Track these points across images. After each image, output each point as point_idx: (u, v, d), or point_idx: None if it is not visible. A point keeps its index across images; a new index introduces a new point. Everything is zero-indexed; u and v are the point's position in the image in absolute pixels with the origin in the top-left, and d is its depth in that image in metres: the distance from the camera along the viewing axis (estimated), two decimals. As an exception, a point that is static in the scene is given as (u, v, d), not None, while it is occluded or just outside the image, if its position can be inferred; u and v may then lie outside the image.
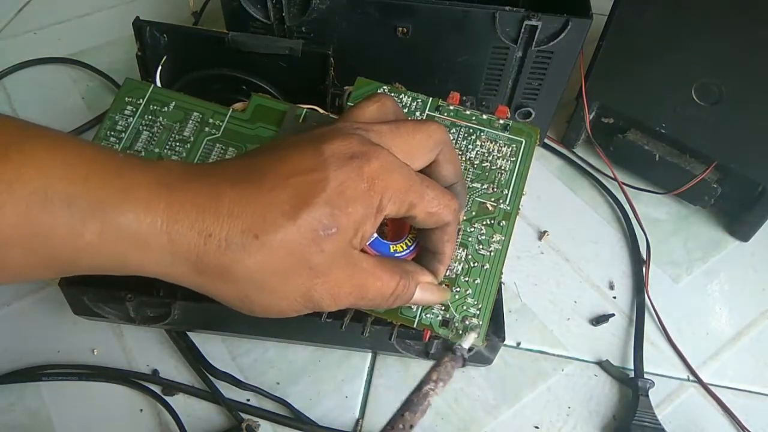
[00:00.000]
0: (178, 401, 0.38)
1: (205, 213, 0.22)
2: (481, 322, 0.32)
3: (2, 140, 0.21)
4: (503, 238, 0.33)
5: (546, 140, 0.55)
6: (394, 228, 0.29)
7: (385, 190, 0.24)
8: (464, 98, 0.37)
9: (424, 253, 0.29)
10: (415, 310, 0.32)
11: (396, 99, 0.36)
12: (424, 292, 0.28)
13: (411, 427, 0.26)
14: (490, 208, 0.34)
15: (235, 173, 0.24)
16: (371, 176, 0.24)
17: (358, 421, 0.38)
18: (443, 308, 0.32)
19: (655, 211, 0.51)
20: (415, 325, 0.32)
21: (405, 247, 0.29)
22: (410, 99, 0.36)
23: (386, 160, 0.24)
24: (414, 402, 0.27)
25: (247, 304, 0.24)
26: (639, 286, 0.45)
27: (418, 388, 0.28)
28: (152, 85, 0.36)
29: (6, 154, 0.20)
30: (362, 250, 0.26)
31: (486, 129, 0.35)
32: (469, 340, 0.30)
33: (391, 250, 0.28)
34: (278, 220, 0.22)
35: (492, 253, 0.33)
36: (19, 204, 0.20)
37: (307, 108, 0.35)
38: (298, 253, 0.23)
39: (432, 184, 0.26)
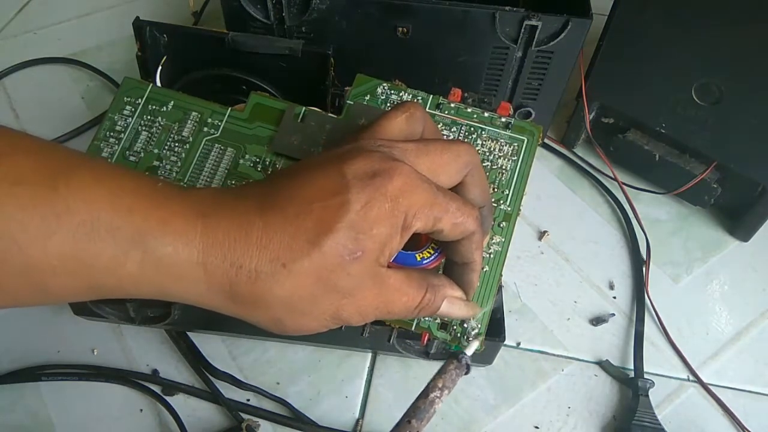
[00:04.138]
0: (178, 401, 0.38)
1: (236, 244, 0.23)
2: (479, 325, 0.32)
3: (50, 171, 0.21)
4: (503, 239, 0.33)
5: (546, 140, 0.55)
6: (413, 237, 0.29)
7: (409, 207, 0.24)
8: (466, 95, 0.37)
9: (454, 267, 0.28)
10: None
11: (396, 96, 0.36)
12: (452, 306, 0.28)
13: None
14: (492, 208, 0.33)
15: (262, 199, 0.24)
16: (394, 195, 0.24)
17: (358, 421, 0.38)
18: None
19: (655, 211, 0.51)
20: (413, 329, 0.32)
21: (432, 252, 0.28)
22: (410, 96, 0.36)
23: (409, 177, 0.24)
24: (421, 409, 0.27)
25: (280, 327, 0.25)
26: (639, 286, 0.45)
27: (425, 394, 0.27)
28: (151, 85, 0.36)
29: (54, 186, 0.21)
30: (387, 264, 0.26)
31: (487, 127, 0.35)
32: (472, 348, 0.30)
33: (418, 259, 0.28)
34: (304, 248, 0.23)
35: (491, 256, 0.33)
36: (66, 234, 0.21)
37: (306, 107, 0.35)
38: (324, 278, 0.23)
39: (453, 196, 0.26)
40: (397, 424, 0.26)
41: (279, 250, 0.23)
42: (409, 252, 0.28)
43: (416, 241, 0.28)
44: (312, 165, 0.25)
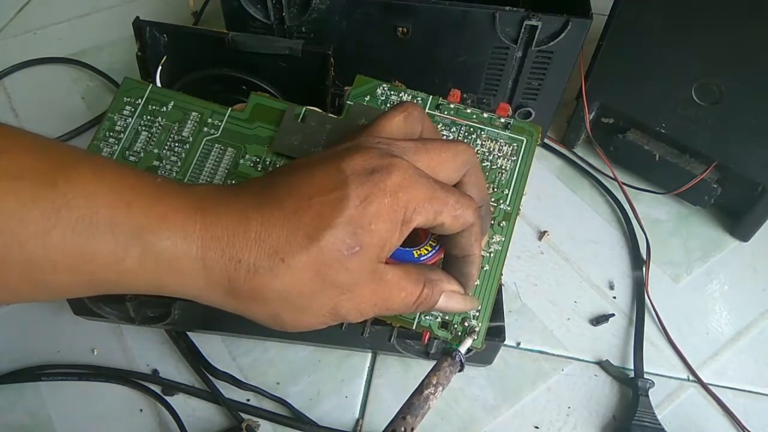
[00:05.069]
0: (178, 401, 0.38)
1: (235, 239, 0.23)
2: (480, 324, 0.32)
3: (50, 167, 0.21)
4: (503, 239, 0.33)
5: (546, 140, 0.55)
6: (411, 233, 0.29)
7: (408, 202, 0.24)
8: (465, 96, 0.37)
9: (454, 260, 0.28)
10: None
11: (396, 97, 0.36)
12: (449, 300, 0.28)
13: (412, 430, 0.26)
14: (490, 208, 0.33)
15: (260, 195, 0.24)
16: (393, 190, 0.24)
17: (358, 421, 0.38)
18: None
19: (655, 211, 0.51)
20: (414, 328, 0.32)
21: (430, 249, 0.28)
22: (410, 97, 0.36)
23: (407, 172, 0.24)
24: (415, 405, 0.27)
25: (278, 322, 0.25)
26: (639, 286, 0.45)
27: (419, 391, 0.27)
28: (150, 85, 0.36)
29: (54, 182, 0.21)
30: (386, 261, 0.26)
31: (486, 128, 0.35)
32: (466, 345, 0.30)
33: (416, 256, 0.28)
34: (302, 243, 0.23)
35: (492, 254, 0.33)
36: (66, 230, 0.21)
37: (306, 107, 0.35)
38: (323, 273, 0.23)
39: (451, 189, 0.26)
40: (392, 421, 0.27)
41: (278, 244, 0.23)
42: (407, 249, 0.28)
43: (414, 238, 0.28)
44: (311, 162, 0.25)
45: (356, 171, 0.24)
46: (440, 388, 0.27)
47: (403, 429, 0.26)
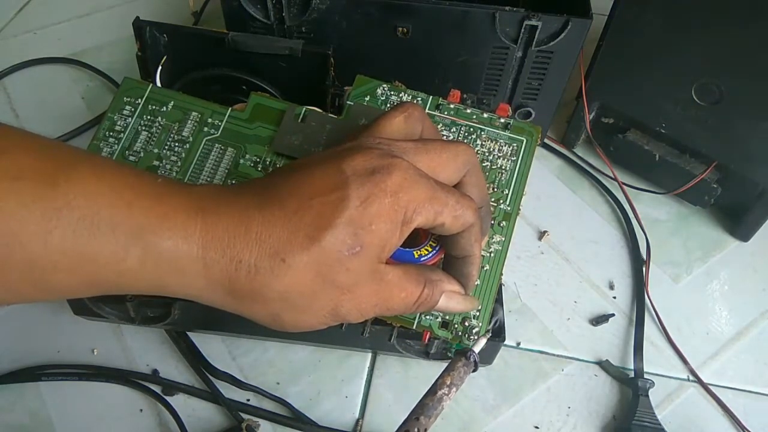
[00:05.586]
0: (178, 401, 0.38)
1: (236, 239, 0.23)
2: (480, 324, 0.32)
3: (50, 167, 0.22)
4: (503, 239, 0.33)
5: (546, 140, 0.55)
6: (411, 234, 0.29)
7: (409, 203, 0.24)
8: (465, 96, 0.37)
9: (454, 261, 0.28)
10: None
11: (396, 97, 0.36)
12: (450, 300, 0.28)
13: (425, 431, 0.26)
14: (491, 209, 0.34)
15: (261, 195, 0.24)
16: (394, 190, 0.24)
17: (358, 421, 0.38)
18: None
19: (655, 211, 0.51)
20: (414, 327, 0.32)
21: (431, 249, 0.28)
22: (410, 97, 0.36)
23: (407, 173, 0.24)
24: (429, 406, 0.27)
25: (278, 322, 0.25)
26: (639, 286, 0.45)
27: (432, 392, 0.27)
28: (150, 85, 0.36)
29: (55, 182, 0.21)
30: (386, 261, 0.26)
31: (486, 128, 0.35)
32: (480, 345, 0.30)
33: (416, 256, 0.28)
34: (303, 243, 0.23)
35: (492, 254, 0.33)
36: (67, 230, 0.21)
37: (306, 107, 0.35)
38: (324, 273, 0.23)
39: (451, 190, 0.26)
40: (405, 421, 0.26)
41: (278, 245, 0.23)
42: (407, 249, 0.28)
43: (414, 239, 0.28)
44: (311, 162, 0.25)
45: (357, 171, 0.24)
46: (454, 389, 0.27)
47: (416, 430, 0.26)
